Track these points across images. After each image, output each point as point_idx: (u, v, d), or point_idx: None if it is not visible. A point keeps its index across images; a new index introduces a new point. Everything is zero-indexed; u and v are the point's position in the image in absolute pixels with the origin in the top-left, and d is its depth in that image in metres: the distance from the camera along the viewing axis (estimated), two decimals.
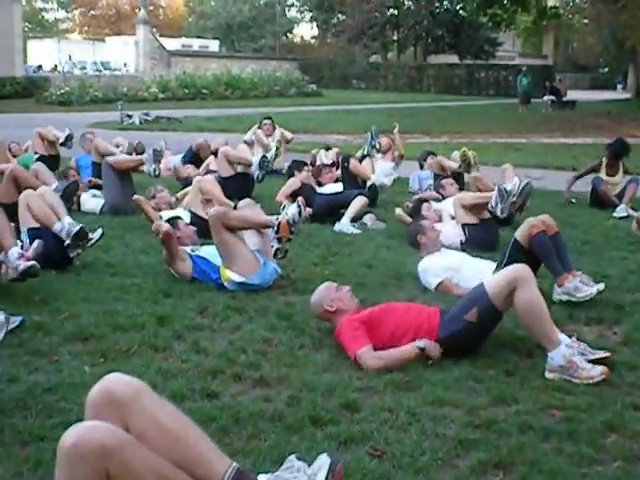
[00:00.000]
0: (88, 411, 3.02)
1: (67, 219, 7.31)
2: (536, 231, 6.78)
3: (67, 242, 7.19)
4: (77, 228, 7.19)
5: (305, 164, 11.30)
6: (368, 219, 10.14)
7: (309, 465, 3.17)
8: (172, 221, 7.65)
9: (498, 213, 7.96)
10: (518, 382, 4.97)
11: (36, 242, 6.64)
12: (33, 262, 6.39)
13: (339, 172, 11.48)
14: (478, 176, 9.62)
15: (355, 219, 9.91)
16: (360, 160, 11.65)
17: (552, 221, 7.00)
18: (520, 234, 6.88)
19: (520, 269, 5.31)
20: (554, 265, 6.71)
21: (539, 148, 20.61)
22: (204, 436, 3.05)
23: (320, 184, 11.31)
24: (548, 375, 5.06)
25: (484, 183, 9.17)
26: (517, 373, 5.11)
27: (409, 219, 8.89)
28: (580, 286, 6.56)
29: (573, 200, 11.85)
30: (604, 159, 12.02)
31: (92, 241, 7.48)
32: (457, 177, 11.42)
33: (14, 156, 13.88)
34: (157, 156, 10.26)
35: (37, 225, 7.27)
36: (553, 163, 16.82)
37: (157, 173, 10.55)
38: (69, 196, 7.74)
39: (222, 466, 2.95)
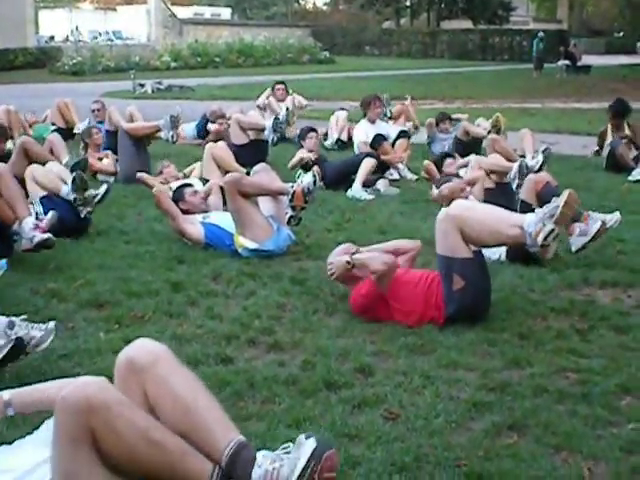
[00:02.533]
0: (115, 376, 3.03)
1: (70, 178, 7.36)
2: (541, 185, 6.82)
3: (73, 197, 7.21)
4: (73, 175, 7.24)
5: (311, 130, 10.98)
6: (381, 184, 10.13)
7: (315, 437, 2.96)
8: (178, 190, 7.68)
9: (513, 186, 7.90)
10: (532, 345, 4.96)
11: (50, 213, 6.65)
12: (49, 234, 6.41)
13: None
14: (496, 138, 9.54)
15: (368, 184, 9.88)
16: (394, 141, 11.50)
17: (549, 176, 7.03)
18: (526, 194, 6.89)
19: (445, 214, 5.24)
20: None
21: (554, 113, 20.48)
22: (216, 408, 3.00)
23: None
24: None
25: (502, 146, 9.09)
26: (531, 336, 5.10)
27: (436, 173, 8.84)
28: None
29: None
30: (608, 123, 12.00)
31: (98, 197, 7.49)
32: (478, 143, 11.40)
33: (30, 125, 13.96)
34: (174, 122, 10.23)
35: (46, 193, 7.30)
36: (568, 128, 16.70)
37: (175, 139, 10.55)
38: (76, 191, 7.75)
39: (225, 440, 2.89)
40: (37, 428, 3.11)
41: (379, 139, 11.09)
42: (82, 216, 7.39)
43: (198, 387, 3.03)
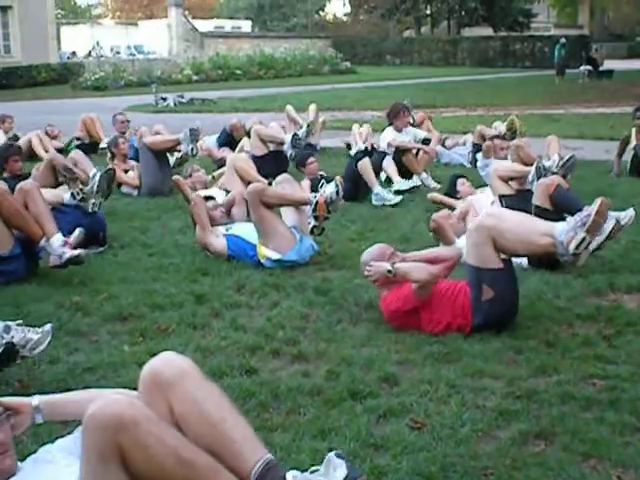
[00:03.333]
0: (139, 389, 3.01)
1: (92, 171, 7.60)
2: (553, 187, 6.80)
3: (69, 193, 7.39)
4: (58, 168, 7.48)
5: (309, 156, 10.38)
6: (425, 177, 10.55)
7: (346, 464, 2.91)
8: None
9: (533, 189, 7.85)
10: (559, 352, 4.92)
11: (77, 230, 6.68)
12: (79, 250, 6.46)
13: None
14: (520, 144, 9.49)
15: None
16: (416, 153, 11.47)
17: (560, 179, 7.01)
18: (538, 199, 6.88)
19: (477, 225, 5.22)
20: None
21: (577, 118, 20.36)
22: (243, 424, 2.96)
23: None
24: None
25: (526, 152, 9.04)
26: (557, 344, 5.06)
27: (449, 200, 8.76)
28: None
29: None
30: (633, 127, 11.89)
31: (95, 184, 7.50)
32: None
33: (52, 138, 14.06)
34: (194, 135, 10.25)
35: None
36: (591, 133, 16.61)
37: (195, 153, 10.57)
38: (107, 184, 7.78)
39: (253, 458, 2.85)
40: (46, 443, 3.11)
41: (404, 149, 11.10)
42: (90, 211, 7.43)
43: (224, 403, 2.99)
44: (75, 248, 6.47)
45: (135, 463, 2.73)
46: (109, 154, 11.09)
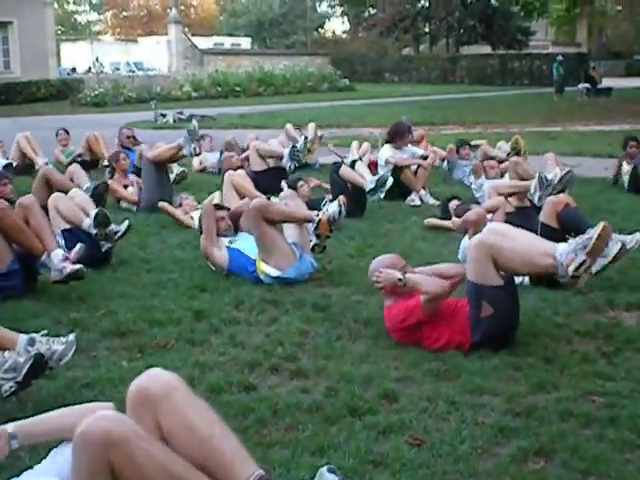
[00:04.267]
0: (127, 406, 3.01)
1: (93, 212, 7.35)
2: (562, 206, 6.80)
3: (94, 232, 7.23)
4: (95, 211, 7.24)
5: (299, 179, 10.12)
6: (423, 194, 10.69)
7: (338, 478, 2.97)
8: None
9: (535, 200, 7.87)
10: (558, 369, 4.92)
11: (78, 245, 6.67)
12: (80, 266, 6.45)
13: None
14: (518, 161, 9.53)
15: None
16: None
17: (568, 197, 7.01)
18: (546, 216, 6.87)
19: (478, 242, 5.20)
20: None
21: (575, 136, 20.39)
22: (232, 439, 2.96)
23: None
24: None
25: (524, 169, 9.08)
26: (556, 360, 5.06)
27: (446, 224, 8.74)
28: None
29: None
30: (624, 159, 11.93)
31: (119, 233, 7.46)
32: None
33: (64, 145, 14.09)
34: (193, 135, 10.24)
35: (69, 226, 7.32)
36: (589, 150, 16.64)
37: (198, 152, 10.59)
38: (99, 197, 7.77)
39: (244, 473, 2.85)
40: (44, 458, 3.10)
41: (401, 167, 11.12)
42: (103, 250, 7.41)
43: (213, 418, 2.99)
44: (75, 263, 6.46)
45: (125, 479, 2.73)
46: (108, 169, 11.08)
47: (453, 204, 8.89)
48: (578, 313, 6.03)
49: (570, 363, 5.01)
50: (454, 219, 8.19)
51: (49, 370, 4.33)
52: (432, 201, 10.83)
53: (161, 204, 9.36)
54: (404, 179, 10.86)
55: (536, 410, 4.30)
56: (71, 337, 4.40)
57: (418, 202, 10.85)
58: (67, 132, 14.38)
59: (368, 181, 9.89)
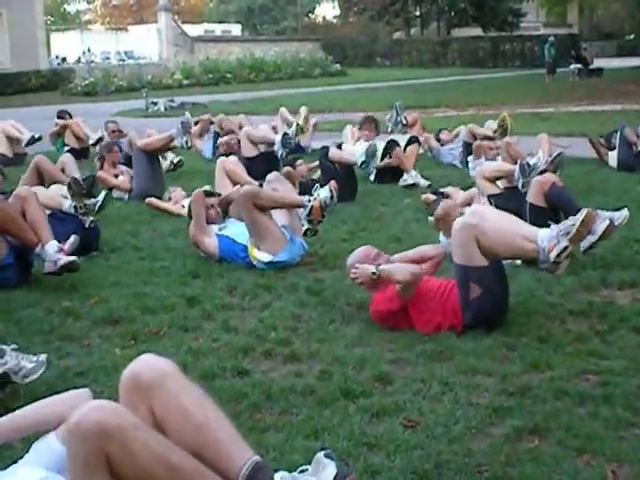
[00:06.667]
0: (120, 394, 2.98)
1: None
2: (548, 185, 6.80)
3: (73, 207, 7.23)
4: (67, 181, 7.25)
5: (296, 159, 10.31)
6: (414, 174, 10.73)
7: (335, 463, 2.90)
8: None
9: (519, 187, 7.83)
10: (552, 348, 4.91)
11: (72, 237, 6.64)
12: (74, 257, 6.42)
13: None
14: (510, 141, 9.51)
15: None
16: (405, 146, 11.43)
17: (555, 177, 7.00)
18: (533, 197, 6.88)
19: (462, 224, 5.18)
20: (580, 207, 6.59)
21: (567, 117, 20.36)
22: (227, 425, 2.93)
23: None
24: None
25: (515, 149, 9.06)
26: (550, 340, 5.05)
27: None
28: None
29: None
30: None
31: (98, 203, 7.47)
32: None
33: (59, 135, 14.09)
34: (185, 127, 10.22)
35: (50, 212, 7.29)
36: (581, 131, 16.62)
37: (189, 145, 10.55)
38: (88, 189, 7.73)
39: (240, 459, 2.82)
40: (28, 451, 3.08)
41: (392, 144, 11.09)
42: (87, 226, 7.37)
43: (207, 403, 2.96)
44: (70, 255, 6.43)
45: (122, 470, 2.70)
46: (98, 159, 11.01)
47: (427, 197, 8.87)
48: (572, 292, 6.03)
49: (564, 342, 5.00)
50: (429, 218, 8.16)
51: (10, 384, 4.28)
52: (423, 181, 10.81)
53: (148, 200, 9.35)
54: (396, 157, 10.80)
55: (530, 389, 4.30)
56: (42, 357, 4.36)
57: (411, 181, 10.82)
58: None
59: (358, 155, 9.87)
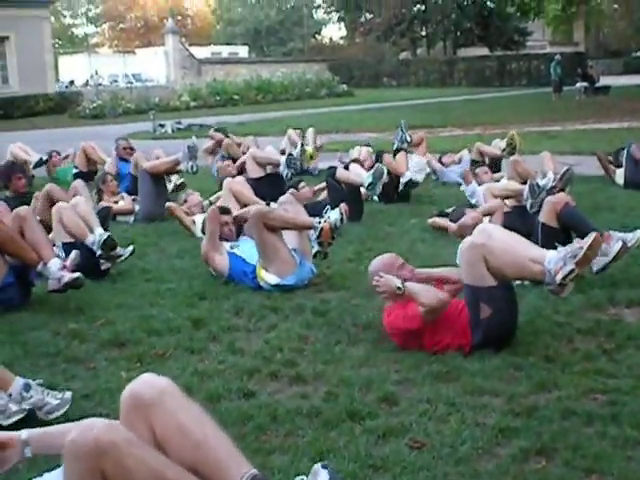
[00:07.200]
0: (120, 413, 3.00)
1: (99, 230, 7.29)
2: (561, 205, 6.77)
3: (98, 252, 7.21)
4: (105, 236, 7.19)
5: (299, 182, 10.44)
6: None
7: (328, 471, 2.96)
8: None
9: (528, 207, 7.81)
10: (559, 368, 4.88)
11: (73, 253, 6.65)
12: (78, 274, 6.41)
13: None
14: (518, 159, 9.51)
15: None
16: (394, 154, 11.45)
17: (567, 197, 6.98)
18: (545, 216, 6.84)
19: (470, 243, 5.17)
20: (592, 227, 6.57)
21: (574, 135, 20.37)
22: (226, 442, 2.94)
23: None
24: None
25: (523, 167, 9.06)
26: (558, 359, 5.02)
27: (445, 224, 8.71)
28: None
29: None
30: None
31: (122, 257, 7.50)
32: (495, 163, 11.46)
33: (54, 166, 14.13)
34: (192, 152, 10.23)
35: (71, 240, 7.26)
36: (588, 148, 16.61)
37: (195, 170, 10.55)
38: (102, 220, 7.72)
39: (238, 474, 2.83)
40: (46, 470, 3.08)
41: (380, 153, 11.21)
42: (102, 268, 7.41)
43: (206, 420, 2.98)
44: (73, 272, 6.43)
45: None
46: (96, 192, 10.86)
47: (433, 222, 8.91)
48: (579, 311, 6.00)
49: (571, 361, 4.98)
50: (450, 224, 8.17)
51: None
52: (420, 177, 11.18)
53: (168, 204, 9.35)
54: (388, 167, 10.77)
55: (537, 409, 4.27)
56: (67, 394, 4.38)
57: (408, 177, 10.83)
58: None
59: (365, 177, 9.88)
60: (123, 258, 7.52)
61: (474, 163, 11.80)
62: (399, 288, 5.23)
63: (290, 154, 11.38)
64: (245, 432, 4.09)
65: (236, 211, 8.33)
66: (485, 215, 7.67)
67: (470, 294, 5.20)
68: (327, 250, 7.25)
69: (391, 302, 5.41)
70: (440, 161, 13.19)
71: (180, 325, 5.99)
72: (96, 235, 7.24)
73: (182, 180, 11.63)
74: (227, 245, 7.33)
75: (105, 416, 4.16)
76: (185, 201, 9.56)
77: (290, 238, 7.03)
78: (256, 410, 4.37)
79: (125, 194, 10.78)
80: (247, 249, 7.17)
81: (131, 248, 7.63)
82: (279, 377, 4.95)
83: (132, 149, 13.09)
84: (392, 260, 5.63)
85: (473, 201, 9.82)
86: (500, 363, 4.96)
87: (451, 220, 8.26)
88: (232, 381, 4.84)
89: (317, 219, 7.18)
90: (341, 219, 7.12)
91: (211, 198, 10.15)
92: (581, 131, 21.66)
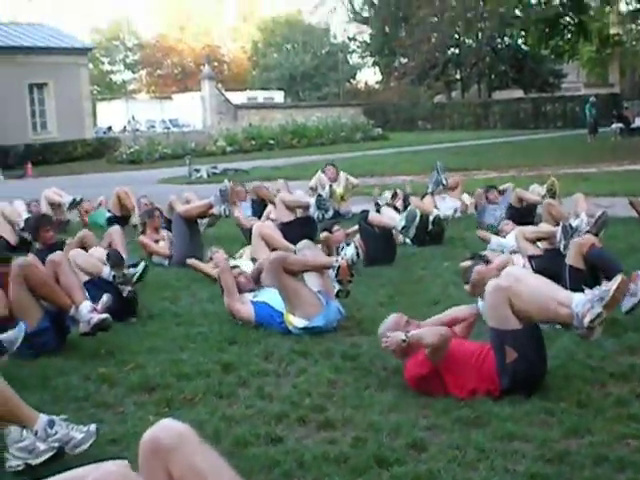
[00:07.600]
0: (139, 457, 3.02)
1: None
2: (587, 247, 6.72)
3: (112, 276, 7.30)
4: (107, 252, 7.35)
5: (334, 224, 9.83)
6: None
7: None
8: None
9: (561, 249, 7.75)
10: (591, 413, 4.81)
11: (105, 296, 6.71)
12: (106, 315, 6.47)
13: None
14: (552, 203, 9.48)
15: None
16: (421, 198, 11.50)
17: (594, 238, 6.98)
18: (572, 258, 6.80)
19: (495, 286, 5.14)
20: (620, 267, 6.51)
21: (608, 176, 20.25)
22: None
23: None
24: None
25: (557, 210, 9.02)
26: (590, 404, 4.95)
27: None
28: None
29: None
30: None
31: (137, 275, 7.57)
32: (532, 210, 11.41)
33: (86, 212, 14.28)
34: (224, 195, 10.28)
35: (88, 278, 7.39)
36: (623, 190, 16.49)
37: (227, 213, 10.61)
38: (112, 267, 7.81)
39: None
40: None
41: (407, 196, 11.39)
42: (125, 295, 7.42)
43: (222, 465, 3.00)
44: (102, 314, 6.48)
45: None
46: (140, 226, 11.13)
47: (465, 265, 8.76)
48: (612, 355, 5.91)
49: (604, 406, 4.90)
50: (465, 286, 8.09)
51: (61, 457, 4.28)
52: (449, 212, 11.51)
53: (189, 261, 9.39)
54: (417, 207, 10.77)
55: (569, 455, 4.20)
56: (92, 427, 4.38)
57: (435, 212, 10.93)
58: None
59: (398, 220, 9.88)
60: (138, 275, 7.58)
61: (511, 208, 11.74)
62: (403, 340, 5.24)
63: (319, 195, 11.43)
64: (272, 478, 4.07)
65: (267, 254, 8.34)
66: (499, 269, 7.58)
67: (495, 337, 5.16)
68: (348, 288, 7.25)
69: (405, 359, 5.40)
70: (486, 197, 12.97)
71: (210, 369, 5.98)
72: (108, 266, 7.40)
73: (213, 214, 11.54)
74: (250, 295, 7.37)
75: (132, 462, 4.19)
76: (211, 259, 9.56)
77: (313, 280, 7.05)
78: (283, 456, 4.34)
79: (168, 233, 10.85)
80: (271, 296, 7.18)
81: (143, 264, 7.69)
82: (307, 422, 4.92)
83: (152, 205, 13.19)
84: (397, 319, 5.66)
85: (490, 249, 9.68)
86: (531, 408, 4.89)
87: (465, 282, 8.19)
88: (260, 426, 4.82)
89: (334, 258, 7.20)
90: (357, 253, 7.13)
91: (236, 255, 10.03)
92: (616, 173, 21.53)
